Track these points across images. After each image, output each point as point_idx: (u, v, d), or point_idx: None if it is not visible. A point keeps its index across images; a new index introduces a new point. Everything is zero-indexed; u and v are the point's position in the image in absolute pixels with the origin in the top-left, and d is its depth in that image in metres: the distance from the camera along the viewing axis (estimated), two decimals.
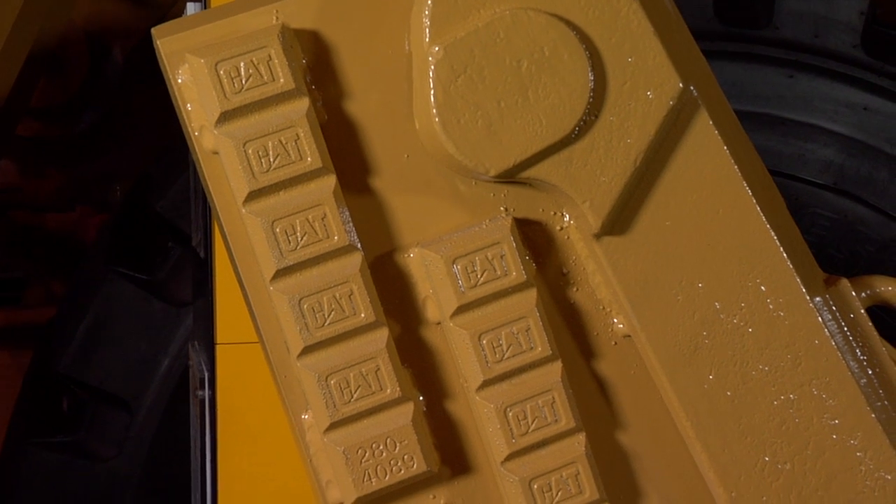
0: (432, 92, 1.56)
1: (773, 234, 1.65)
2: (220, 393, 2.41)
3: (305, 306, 1.57)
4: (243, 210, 1.56)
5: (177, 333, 2.93)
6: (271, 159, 1.54)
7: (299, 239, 1.56)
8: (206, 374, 2.46)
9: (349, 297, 1.57)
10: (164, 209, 2.96)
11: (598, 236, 1.63)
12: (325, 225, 1.56)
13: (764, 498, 1.65)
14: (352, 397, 1.58)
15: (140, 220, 3.04)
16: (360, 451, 1.59)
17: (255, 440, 2.37)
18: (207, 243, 2.53)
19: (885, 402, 1.70)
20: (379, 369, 1.59)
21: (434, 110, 1.56)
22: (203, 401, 2.46)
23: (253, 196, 1.55)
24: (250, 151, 1.54)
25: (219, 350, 2.42)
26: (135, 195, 3.11)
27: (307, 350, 1.58)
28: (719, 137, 1.64)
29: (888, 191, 2.91)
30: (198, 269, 2.66)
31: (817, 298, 1.67)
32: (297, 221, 1.56)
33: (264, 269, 1.58)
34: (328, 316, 1.57)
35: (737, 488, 1.65)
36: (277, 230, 1.55)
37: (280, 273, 1.57)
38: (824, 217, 2.93)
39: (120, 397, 2.93)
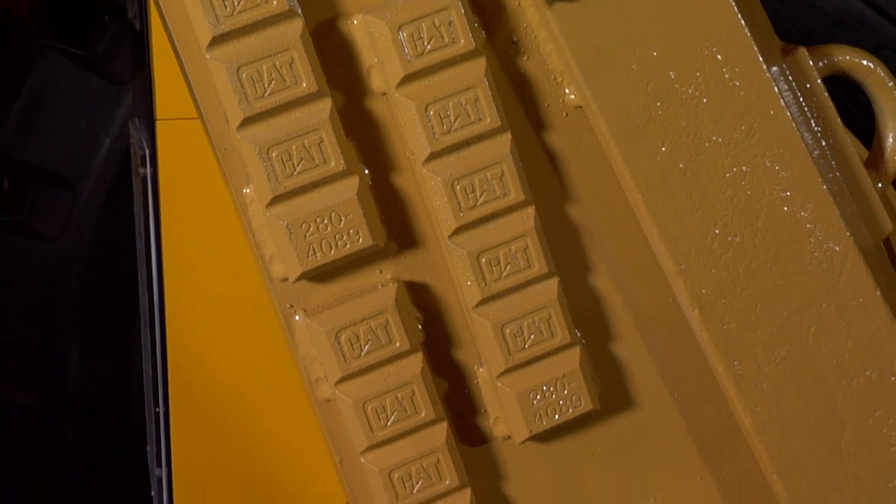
0: None
1: None
2: (161, 170, 2.36)
3: (244, 75, 1.50)
4: None
5: (117, 111, 2.84)
6: None
7: (235, 4, 1.48)
8: (148, 152, 2.40)
9: (290, 65, 1.50)
10: None
11: (550, 2, 1.56)
12: None
13: (713, 270, 1.64)
14: (294, 170, 1.54)
15: None
16: (303, 225, 1.56)
17: (199, 217, 2.34)
18: (143, 15, 2.43)
19: (838, 174, 1.69)
20: (322, 141, 1.53)
21: None
22: (145, 178, 2.41)
23: None
24: None
25: (159, 126, 2.36)
26: None
27: (247, 122, 1.52)
28: None
29: None
30: (135, 43, 2.57)
31: (774, 68, 1.63)
32: None
33: (199, 37, 1.49)
34: (268, 85, 1.50)
35: (686, 260, 1.64)
36: None
37: (216, 40, 1.49)
38: None
39: (62, 176, 2.86)
